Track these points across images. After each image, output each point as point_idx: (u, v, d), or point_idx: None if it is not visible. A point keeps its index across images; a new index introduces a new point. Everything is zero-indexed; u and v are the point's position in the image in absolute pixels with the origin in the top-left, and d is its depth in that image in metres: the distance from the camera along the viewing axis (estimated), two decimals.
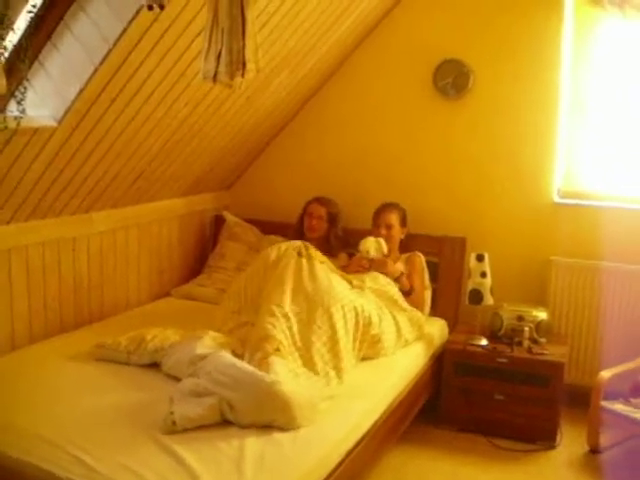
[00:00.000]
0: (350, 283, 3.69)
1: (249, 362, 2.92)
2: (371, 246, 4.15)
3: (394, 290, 3.96)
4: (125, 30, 2.81)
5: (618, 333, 4.22)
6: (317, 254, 3.65)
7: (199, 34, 3.04)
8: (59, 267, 3.72)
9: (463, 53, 4.43)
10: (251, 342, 3.11)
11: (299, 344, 3.18)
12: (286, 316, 3.24)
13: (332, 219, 4.55)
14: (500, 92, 4.43)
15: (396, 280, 4.07)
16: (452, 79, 4.47)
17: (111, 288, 4.12)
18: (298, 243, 3.67)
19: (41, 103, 3.00)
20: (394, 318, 3.75)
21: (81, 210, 3.78)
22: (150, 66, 3.15)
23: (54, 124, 3.04)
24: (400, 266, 4.22)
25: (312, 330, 3.24)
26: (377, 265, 4.09)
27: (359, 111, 4.77)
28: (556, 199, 4.41)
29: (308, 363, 3.12)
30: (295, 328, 3.22)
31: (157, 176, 4.13)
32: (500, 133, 4.47)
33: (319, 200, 4.57)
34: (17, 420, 2.63)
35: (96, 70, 2.93)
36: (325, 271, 3.55)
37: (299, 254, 3.56)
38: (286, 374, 2.84)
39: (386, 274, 4.05)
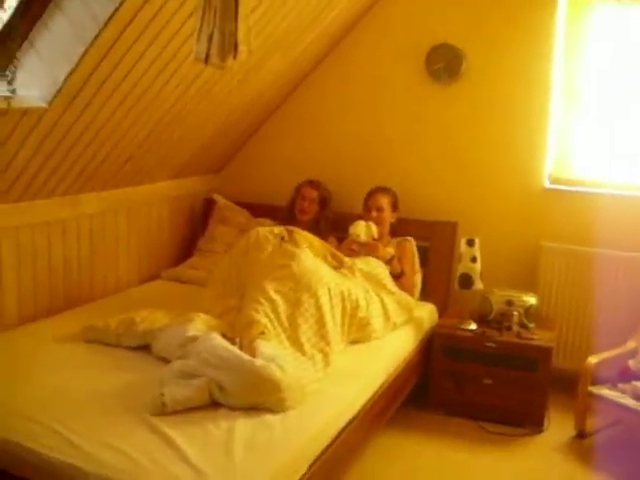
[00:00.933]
0: (341, 262, 3.71)
1: (239, 348, 2.92)
2: (362, 230, 4.15)
3: (384, 273, 3.96)
4: (116, 10, 2.79)
5: (606, 319, 4.24)
6: (303, 238, 3.66)
7: (191, 15, 3.02)
8: (49, 249, 3.71)
9: (455, 38, 4.42)
10: (238, 329, 3.12)
11: (286, 325, 3.19)
12: (270, 299, 3.25)
13: (323, 202, 4.57)
14: (492, 77, 4.42)
15: (388, 263, 4.07)
16: (444, 64, 4.45)
17: (101, 270, 4.12)
18: (280, 229, 3.70)
19: (31, 83, 2.98)
20: (381, 301, 3.76)
21: (71, 192, 3.76)
22: (141, 47, 3.13)
23: (44, 105, 3.02)
24: (391, 250, 4.23)
25: (299, 312, 3.24)
26: (368, 249, 4.10)
27: (351, 95, 4.76)
28: (547, 185, 4.42)
29: (295, 344, 3.12)
30: (281, 309, 3.23)
31: (147, 158, 4.12)
32: (492, 118, 4.46)
33: (311, 183, 4.59)
34: (5, 400, 2.63)
35: (87, 51, 2.91)
36: (311, 256, 3.57)
37: (282, 239, 3.59)
38: (273, 352, 2.85)
39: (377, 258, 4.05)
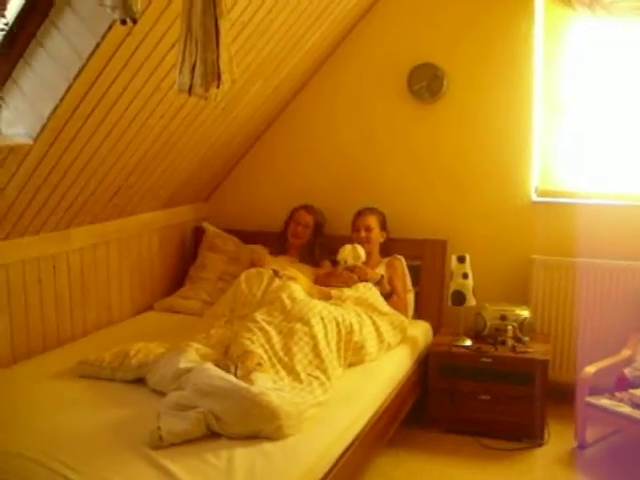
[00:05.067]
0: (328, 297, 3.80)
1: (234, 376, 2.90)
2: (348, 254, 4.16)
3: (375, 296, 3.97)
4: (98, 45, 2.80)
5: (599, 328, 4.26)
6: (291, 274, 3.82)
7: (173, 46, 3.04)
8: (40, 285, 3.69)
9: (437, 57, 4.46)
10: (232, 358, 3.11)
11: (281, 354, 3.19)
12: (262, 329, 3.26)
13: (318, 228, 4.58)
14: (474, 94, 4.46)
15: (377, 284, 4.09)
16: (426, 83, 4.49)
17: (93, 304, 4.10)
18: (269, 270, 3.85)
19: (16, 121, 2.98)
20: (374, 324, 3.77)
21: (60, 227, 3.75)
22: (124, 80, 3.14)
23: (30, 142, 3.02)
24: (380, 269, 4.26)
25: (294, 341, 3.25)
26: (356, 273, 4.12)
27: (335, 117, 4.78)
28: (534, 198, 4.44)
29: (292, 373, 3.12)
30: (275, 339, 3.24)
31: (135, 190, 4.12)
32: (476, 135, 4.50)
33: (306, 208, 4.60)
34: (0, 440, 2.59)
35: (70, 86, 2.91)
36: (300, 288, 3.66)
37: (276, 274, 3.79)
38: (271, 386, 2.83)
39: (366, 280, 4.07)
